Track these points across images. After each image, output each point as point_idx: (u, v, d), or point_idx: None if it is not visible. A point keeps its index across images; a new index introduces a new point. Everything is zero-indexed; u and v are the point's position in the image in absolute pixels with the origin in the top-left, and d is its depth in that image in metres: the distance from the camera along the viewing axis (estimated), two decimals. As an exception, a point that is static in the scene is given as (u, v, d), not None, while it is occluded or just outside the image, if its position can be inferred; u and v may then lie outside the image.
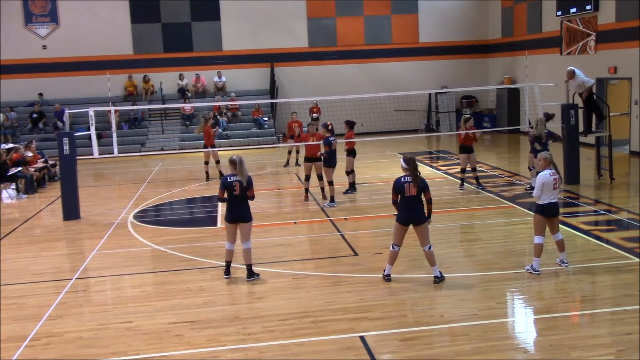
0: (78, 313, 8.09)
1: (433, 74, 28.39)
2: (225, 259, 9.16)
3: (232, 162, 8.86)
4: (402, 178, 8.42)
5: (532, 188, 13.98)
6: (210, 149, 17.59)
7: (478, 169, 15.42)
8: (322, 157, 13.88)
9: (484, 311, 7.55)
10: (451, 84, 27.47)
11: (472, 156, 14.77)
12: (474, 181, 15.00)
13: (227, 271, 9.12)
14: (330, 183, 13.73)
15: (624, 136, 19.47)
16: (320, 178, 14.07)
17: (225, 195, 8.91)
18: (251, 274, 8.99)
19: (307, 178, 14.17)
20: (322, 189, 14.09)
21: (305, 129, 17.27)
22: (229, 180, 8.87)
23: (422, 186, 8.37)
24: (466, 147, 14.69)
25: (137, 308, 8.15)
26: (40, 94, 26.12)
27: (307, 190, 14.35)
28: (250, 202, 9.00)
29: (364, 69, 28.01)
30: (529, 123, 14.92)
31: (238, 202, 8.87)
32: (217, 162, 17.81)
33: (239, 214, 8.88)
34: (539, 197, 8.61)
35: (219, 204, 14.40)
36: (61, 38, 26.25)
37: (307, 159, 14.11)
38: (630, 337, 6.66)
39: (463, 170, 15.01)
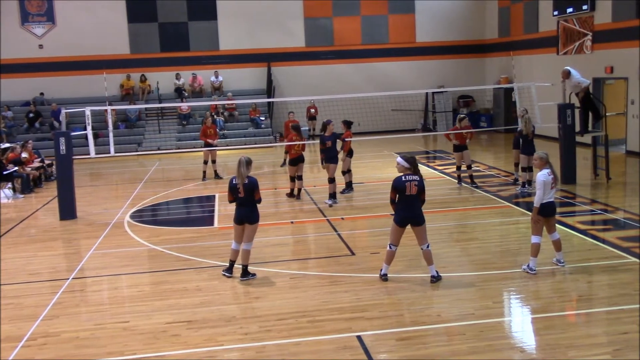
0: (75, 313, 8.07)
1: (430, 74, 28.43)
2: (229, 258, 9.14)
3: (237, 163, 8.88)
4: (403, 177, 8.39)
5: (523, 185, 14.17)
6: (209, 149, 17.54)
7: (475, 168, 15.47)
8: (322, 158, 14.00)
9: (480, 311, 7.56)
10: (448, 83, 27.50)
11: (466, 154, 14.98)
12: (468, 180, 15.11)
13: (229, 270, 9.10)
14: (332, 180, 13.76)
15: (620, 136, 19.51)
16: (300, 178, 14.37)
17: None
18: (245, 274, 8.98)
19: (292, 179, 14.49)
20: (299, 190, 14.47)
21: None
22: (233, 182, 8.91)
23: (422, 186, 8.37)
24: (459, 146, 14.94)
25: (134, 308, 8.14)
26: (42, 93, 26.14)
27: (292, 190, 14.57)
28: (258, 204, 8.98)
29: (361, 68, 28.02)
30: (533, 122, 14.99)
31: (243, 204, 8.88)
32: (214, 162, 17.80)
33: (244, 215, 8.89)
34: (542, 198, 8.59)
35: (216, 204, 14.49)
36: (58, 37, 26.20)
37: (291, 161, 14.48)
38: (627, 336, 6.67)
39: (459, 168, 15.26)
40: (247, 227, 8.90)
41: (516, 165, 15.16)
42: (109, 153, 15.08)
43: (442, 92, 26.78)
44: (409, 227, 8.49)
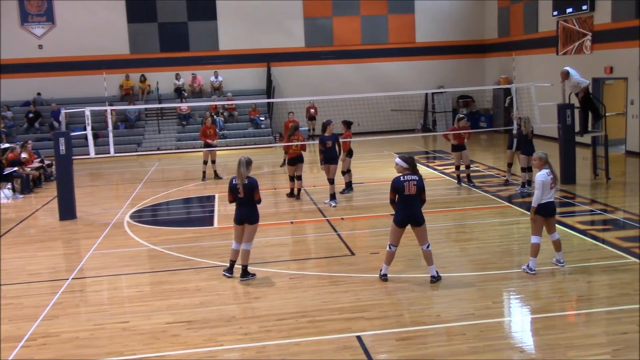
0: (74, 313, 8.07)
1: (429, 74, 28.43)
2: (230, 258, 9.15)
3: (237, 164, 8.88)
4: (402, 177, 8.39)
5: (523, 185, 14.18)
6: (209, 149, 17.54)
7: (474, 168, 15.49)
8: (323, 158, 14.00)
9: (480, 311, 7.56)
10: (447, 83, 27.51)
11: (464, 153, 15.08)
12: (466, 179, 15.17)
13: (230, 270, 9.10)
14: (332, 181, 13.75)
15: (620, 136, 19.51)
16: (299, 179, 14.40)
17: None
18: (245, 274, 8.98)
19: (292, 179, 14.57)
20: (299, 191, 14.51)
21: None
22: (233, 182, 8.91)
23: (422, 186, 8.37)
24: (458, 146, 15.03)
25: (134, 308, 8.14)
26: (39, 94, 26.12)
27: (292, 190, 14.62)
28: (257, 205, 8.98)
29: (361, 68, 28.03)
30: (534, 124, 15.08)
31: (243, 204, 8.88)
32: (213, 162, 17.80)
33: (244, 215, 8.89)
34: (540, 198, 8.59)
35: (216, 204, 14.49)
36: (57, 37, 26.20)
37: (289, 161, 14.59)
38: (627, 336, 6.67)
39: (458, 168, 15.35)
40: (247, 228, 8.90)
41: (509, 165, 15.25)
42: (109, 153, 15.06)
43: (441, 92, 26.78)
44: (409, 227, 8.50)
